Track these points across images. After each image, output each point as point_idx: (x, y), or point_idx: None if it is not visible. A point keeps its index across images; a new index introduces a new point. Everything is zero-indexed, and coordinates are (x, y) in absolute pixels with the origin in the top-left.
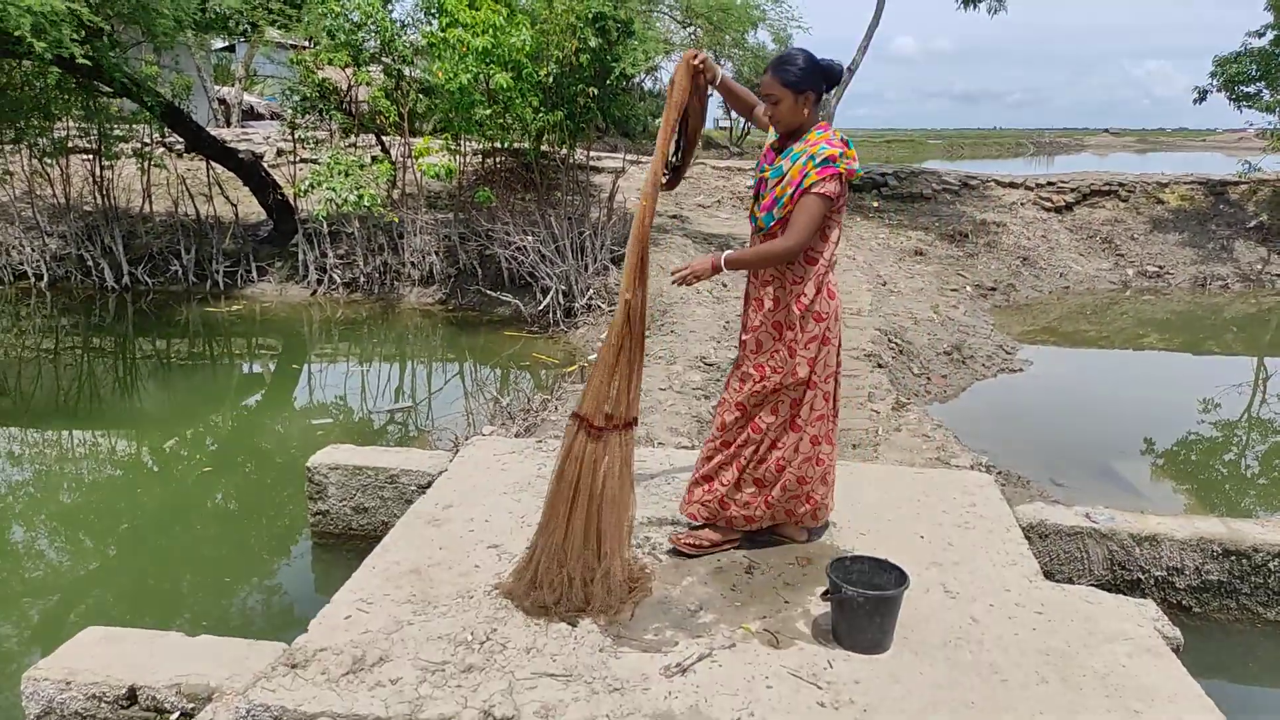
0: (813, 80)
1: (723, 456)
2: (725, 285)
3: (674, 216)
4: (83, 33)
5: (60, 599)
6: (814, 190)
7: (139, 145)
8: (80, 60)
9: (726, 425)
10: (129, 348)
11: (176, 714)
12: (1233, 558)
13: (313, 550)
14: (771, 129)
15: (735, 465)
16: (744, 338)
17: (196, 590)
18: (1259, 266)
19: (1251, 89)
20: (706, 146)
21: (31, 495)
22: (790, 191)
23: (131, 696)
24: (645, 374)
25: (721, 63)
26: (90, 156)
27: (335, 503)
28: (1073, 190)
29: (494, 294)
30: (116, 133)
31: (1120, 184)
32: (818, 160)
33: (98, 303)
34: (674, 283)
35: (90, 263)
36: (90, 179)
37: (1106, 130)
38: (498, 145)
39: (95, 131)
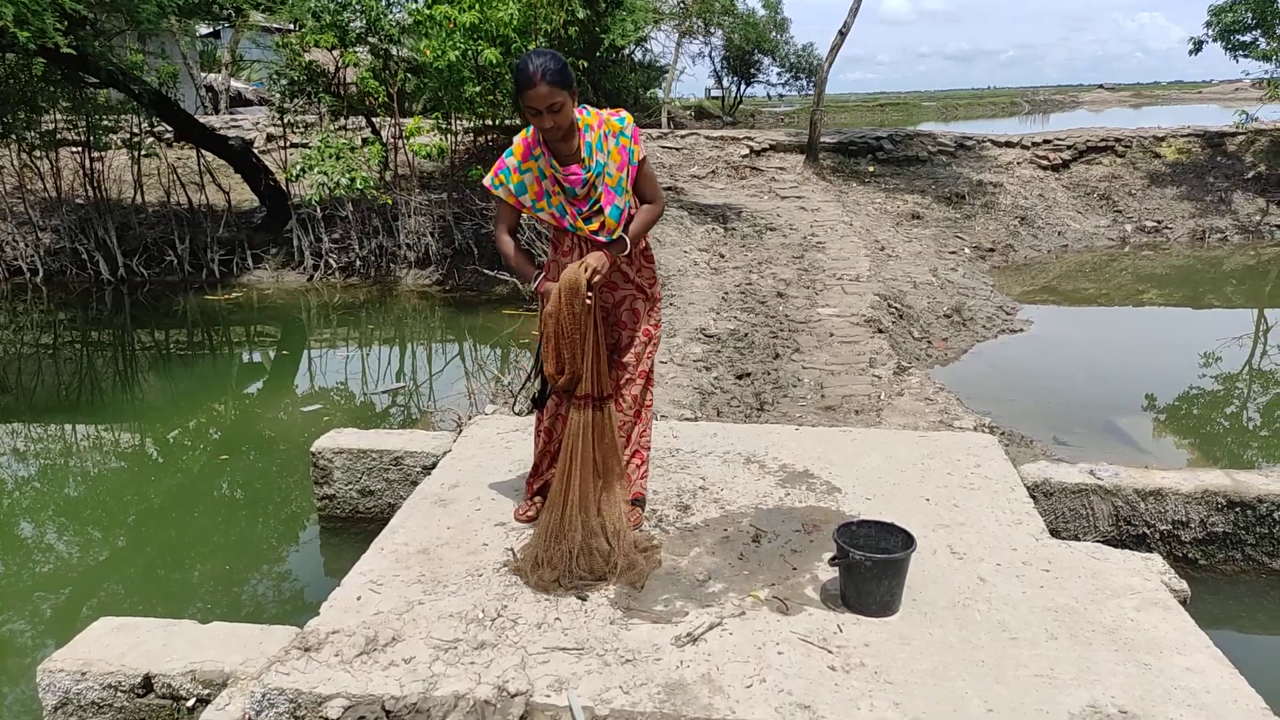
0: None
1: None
2: (724, 256)
3: (669, 189)
4: (66, 22)
5: (72, 591)
6: (643, 156)
7: (128, 135)
8: (65, 50)
9: (637, 398)
10: (128, 340)
11: (192, 700)
12: (1237, 509)
13: (320, 534)
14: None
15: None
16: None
17: (207, 578)
18: (1258, 218)
19: (1247, 37)
20: (700, 117)
21: (38, 490)
22: (628, 171)
23: (147, 684)
24: None
25: (712, 30)
26: (79, 148)
27: (341, 486)
28: (1069, 147)
29: (491, 273)
30: (105, 123)
31: (1117, 139)
32: (626, 131)
33: (94, 296)
34: (589, 286)
35: (84, 256)
36: (80, 171)
37: (1101, 86)
38: (489, 123)
39: (83, 122)
